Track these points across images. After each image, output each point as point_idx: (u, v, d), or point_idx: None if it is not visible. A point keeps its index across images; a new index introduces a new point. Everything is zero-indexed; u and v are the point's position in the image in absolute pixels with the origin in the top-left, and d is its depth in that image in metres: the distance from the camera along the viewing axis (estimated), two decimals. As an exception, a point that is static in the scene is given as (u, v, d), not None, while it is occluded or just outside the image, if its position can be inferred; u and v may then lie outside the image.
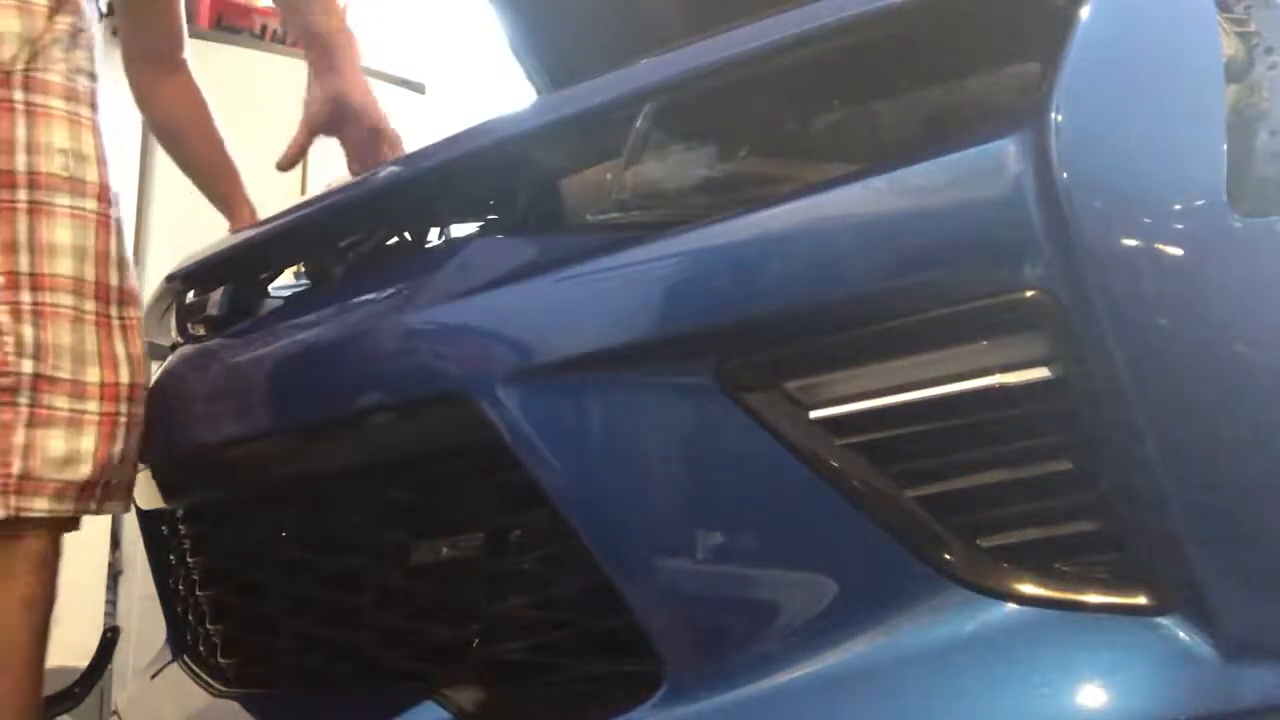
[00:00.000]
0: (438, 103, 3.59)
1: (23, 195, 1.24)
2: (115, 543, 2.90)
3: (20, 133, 1.24)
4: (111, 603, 2.91)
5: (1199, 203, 0.86)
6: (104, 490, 1.31)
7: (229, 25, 3.26)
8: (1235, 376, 0.85)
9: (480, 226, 1.30)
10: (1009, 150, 0.84)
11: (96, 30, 1.36)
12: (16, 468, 1.21)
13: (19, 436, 1.21)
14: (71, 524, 1.31)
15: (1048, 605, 0.84)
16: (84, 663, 2.01)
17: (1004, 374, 0.84)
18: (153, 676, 1.61)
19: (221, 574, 1.42)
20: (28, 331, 1.22)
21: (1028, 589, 0.85)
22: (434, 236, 1.38)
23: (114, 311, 1.31)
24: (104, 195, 1.31)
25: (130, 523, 1.46)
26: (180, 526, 1.49)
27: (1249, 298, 0.87)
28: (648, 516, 0.93)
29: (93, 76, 1.34)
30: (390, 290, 1.10)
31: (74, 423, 1.25)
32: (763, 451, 0.88)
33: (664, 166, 1.02)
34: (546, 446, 0.94)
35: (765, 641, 0.89)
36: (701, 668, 0.91)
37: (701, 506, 0.92)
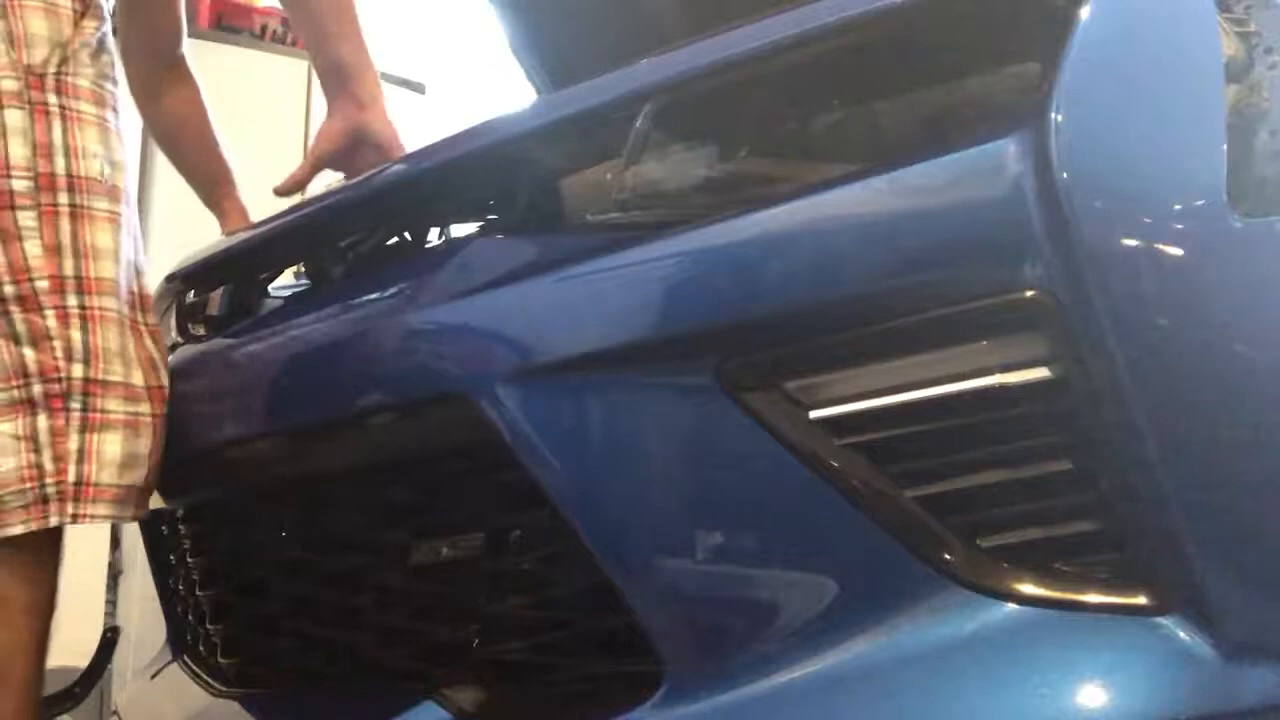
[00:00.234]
0: (438, 103, 3.60)
1: (64, 199, 1.23)
2: (115, 543, 2.90)
3: (57, 136, 1.24)
4: (111, 603, 2.91)
5: (1199, 202, 0.86)
6: (149, 494, 1.31)
7: (229, 25, 3.26)
8: (1235, 376, 0.85)
9: (480, 226, 1.30)
10: (1009, 150, 0.84)
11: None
12: (72, 474, 1.20)
13: (73, 442, 1.21)
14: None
15: (1048, 605, 0.84)
16: (84, 663, 2.01)
17: (1004, 374, 0.84)
18: (153, 676, 1.61)
19: (222, 574, 1.43)
20: (76, 336, 1.21)
21: (1028, 589, 0.85)
22: (434, 237, 1.38)
23: (139, 317, 1.31)
24: (129, 201, 1.32)
25: (131, 523, 1.45)
26: (180, 526, 1.49)
27: (1249, 298, 0.87)
28: (648, 516, 0.93)
29: (115, 82, 1.34)
30: (390, 290, 1.10)
31: (131, 425, 1.25)
32: (763, 451, 0.88)
33: (664, 166, 1.02)
34: (546, 446, 0.94)
35: (765, 641, 0.89)
36: (702, 667, 0.91)
37: (701, 506, 0.92)
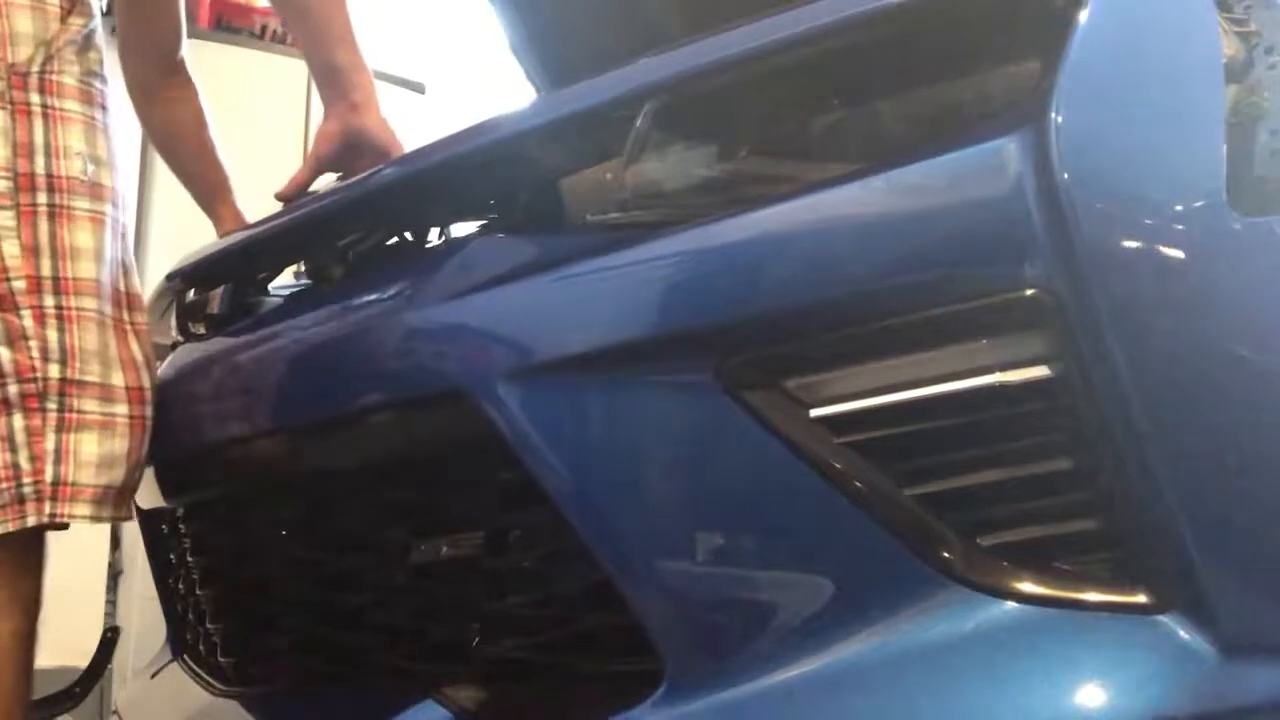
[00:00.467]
0: (438, 103, 3.60)
1: (44, 199, 1.23)
2: (115, 543, 2.91)
3: (38, 136, 1.24)
4: (111, 603, 2.92)
5: (1199, 202, 0.86)
6: (132, 495, 1.31)
7: (229, 25, 3.26)
8: (1234, 375, 0.85)
9: (480, 226, 1.30)
10: (1009, 149, 0.84)
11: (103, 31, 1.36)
12: (49, 474, 1.20)
13: (49, 442, 1.21)
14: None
15: (1047, 604, 0.84)
16: (84, 663, 2.01)
17: (1004, 372, 0.84)
18: (153, 676, 1.61)
19: (222, 572, 1.43)
20: (53, 336, 1.22)
21: (1027, 587, 0.85)
22: (434, 237, 1.38)
23: (125, 316, 1.31)
24: (116, 199, 1.31)
25: (130, 523, 1.45)
26: (181, 525, 1.50)
27: (1248, 297, 0.87)
28: (648, 515, 0.93)
29: (103, 79, 1.33)
30: (391, 289, 1.10)
31: (106, 426, 1.25)
32: (763, 450, 0.88)
33: (664, 166, 1.02)
34: (547, 445, 0.94)
35: (765, 639, 0.89)
36: (701, 666, 0.91)
37: (701, 505, 0.92)
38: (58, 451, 1.21)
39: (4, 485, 1.19)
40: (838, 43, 0.96)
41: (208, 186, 1.65)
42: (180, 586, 1.55)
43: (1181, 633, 0.82)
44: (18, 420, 1.19)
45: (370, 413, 1.10)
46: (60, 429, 1.21)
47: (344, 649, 1.22)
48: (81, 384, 1.23)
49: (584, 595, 0.99)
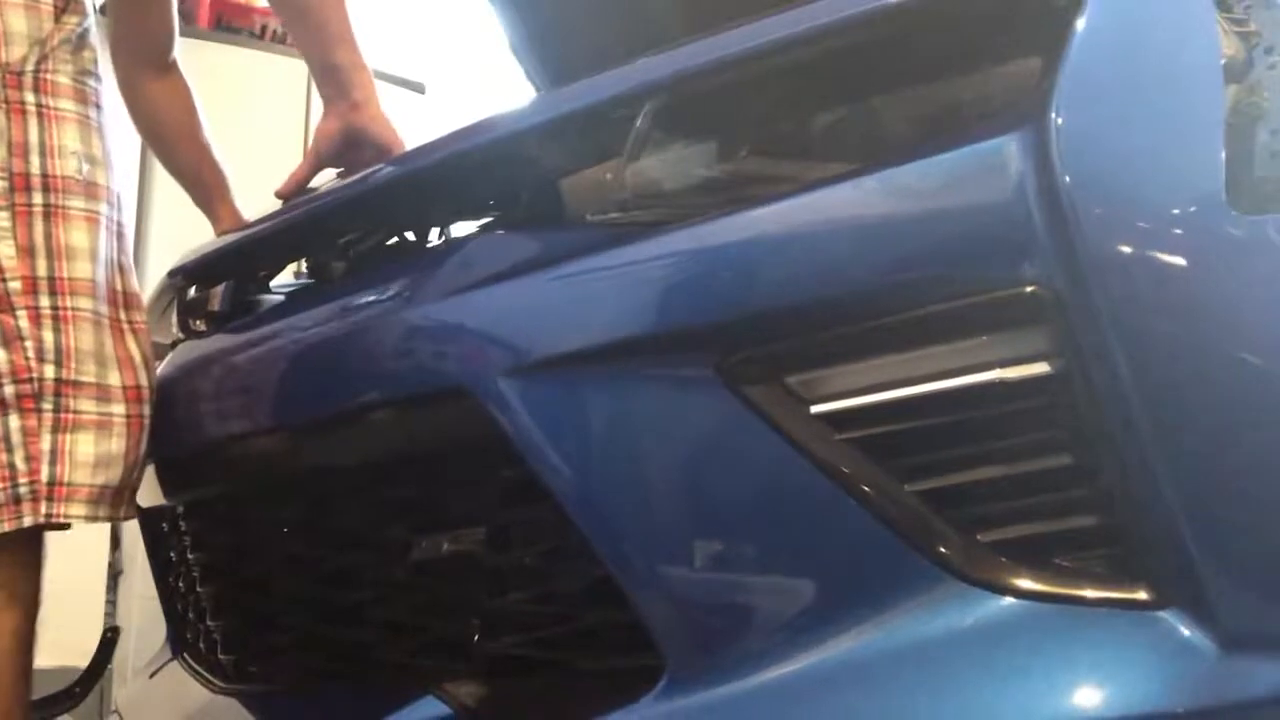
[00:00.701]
0: (438, 103, 3.60)
1: (39, 199, 1.23)
2: (115, 543, 2.90)
3: (33, 135, 1.24)
4: (111, 603, 2.91)
5: (1198, 200, 0.86)
6: (131, 494, 1.31)
7: (229, 25, 3.26)
8: (1233, 372, 0.85)
9: (480, 226, 1.30)
10: (1010, 147, 0.84)
11: (97, 30, 1.36)
12: (45, 474, 1.20)
13: (45, 442, 1.21)
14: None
15: (1047, 600, 0.84)
16: (84, 663, 2.01)
17: (1004, 369, 0.84)
18: (152, 675, 1.61)
19: (222, 570, 1.43)
20: (48, 336, 1.22)
21: (1027, 584, 0.85)
22: (435, 238, 1.38)
23: (123, 315, 1.31)
24: (111, 199, 1.31)
25: (130, 523, 1.45)
26: (181, 523, 1.50)
27: (1247, 295, 0.87)
28: (649, 511, 0.94)
29: (98, 78, 1.33)
30: (393, 286, 1.10)
31: (103, 425, 1.25)
32: (764, 446, 0.88)
33: (664, 166, 1.02)
34: (548, 441, 0.95)
35: (765, 635, 0.89)
36: (701, 661, 0.91)
37: (701, 501, 0.93)
38: (53, 452, 1.21)
39: (1, 486, 1.19)
40: (837, 43, 0.96)
41: (204, 186, 1.64)
42: (180, 585, 1.55)
43: (1181, 629, 0.82)
44: (13, 421, 1.19)
45: (371, 410, 1.10)
46: (56, 429, 1.21)
47: (344, 646, 1.22)
48: (77, 384, 1.23)
49: (584, 592, 0.99)
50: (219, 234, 1.59)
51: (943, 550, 0.86)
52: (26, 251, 1.22)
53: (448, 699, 1.04)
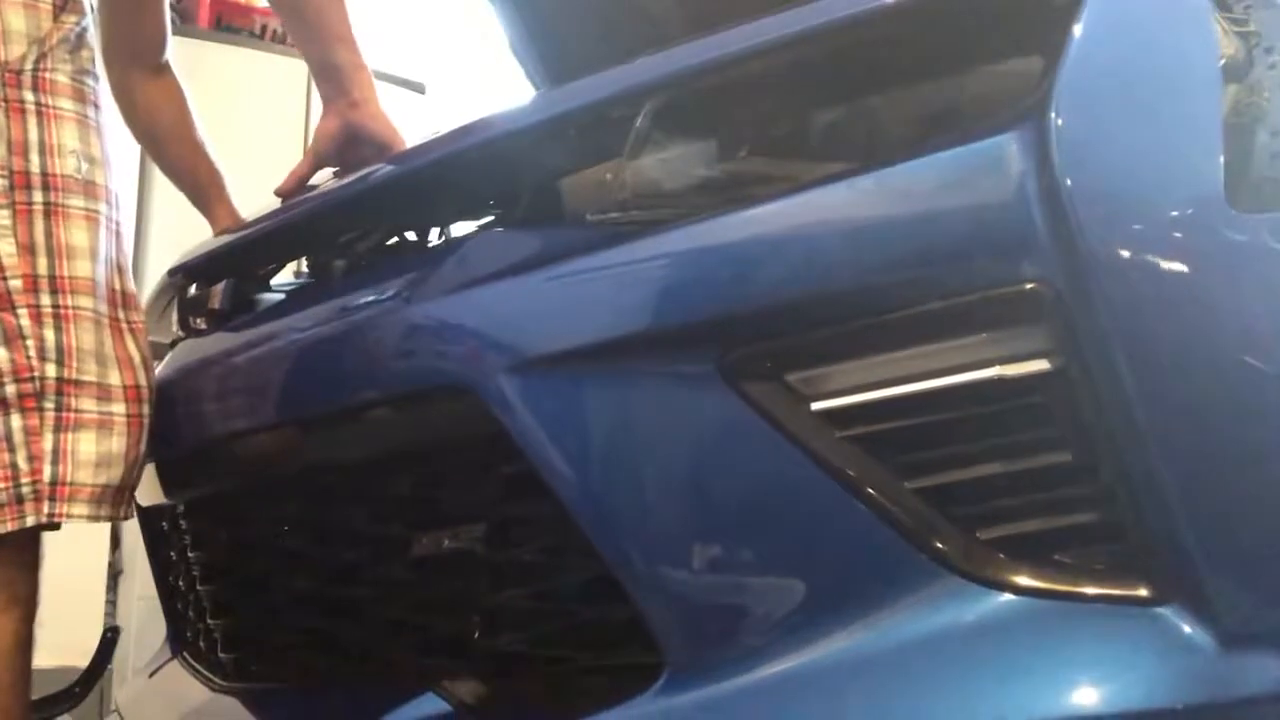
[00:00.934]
0: (438, 103, 3.60)
1: (39, 197, 1.23)
2: (115, 542, 2.90)
3: (32, 134, 1.24)
4: (111, 603, 2.91)
5: (1198, 198, 0.87)
6: (130, 494, 1.31)
7: (229, 25, 3.26)
8: (1231, 369, 0.85)
9: (480, 226, 1.31)
10: (1010, 145, 0.84)
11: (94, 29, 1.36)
12: (47, 474, 1.20)
13: (47, 442, 1.21)
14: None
15: (1046, 596, 0.85)
16: (84, 663, 2.02)
17: (1004, 366, 0.84)
18: (151, 675, 1.61)
19: (223, 568, 1.43)
20: (50, 335, 1.21)
21: (1027, 580, 0.85)
22: (435, 237, 1.39)
23: (121, 315, 1.31)
24: (110, 198, 1.31)
25: (130, 523, 1.45)
26: (181, 521, 1.50)
27: (1246, 292, 0.87)
28: (649, 508, 0.94)
29: (96, 77, 1.33)
30: (394, 283, 1.11)
31: (104, 425, 1.25)
32: (764, 443, 0.89)
33: (664, 166, 1.02)
34: (548, 438, 0.95)
35: (765, 631, 0.90)
36: (701, 657, 0.91)
37: (701, 498, 0.93)
38: (55, 451, 1.21)
39: (2, 485, 1.18)
40: (837, 42, 0.96)
41: (201, 186, 1.64)
42: (180, 583, 1.55)
43: (1180, 625, 0.83)
44: (15, 420, 1.19)
45: (372, 407, 1.10)
46: (58, 428, 1.21)
47: (344, 643, 1.22)
48: (78, 383, 1.23)
49: (584, 588, 0.99)
50: (217, 234, 1.59)
51: (943, 547, 0.87)
52: (27, 250, 1.22)
53: (447, 696, 1.04)
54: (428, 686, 1.05)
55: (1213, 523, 0.83)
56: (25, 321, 1.20)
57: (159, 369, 1.40)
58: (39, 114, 1.24)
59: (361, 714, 1.13)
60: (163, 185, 2.98)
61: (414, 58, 3.68)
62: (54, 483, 1.21)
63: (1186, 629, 0.82)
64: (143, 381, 1.30)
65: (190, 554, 1.49)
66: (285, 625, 1.32)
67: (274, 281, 1.50)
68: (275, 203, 1.44)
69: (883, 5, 0.94)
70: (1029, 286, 0.83)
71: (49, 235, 1.23)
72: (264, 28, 3.30)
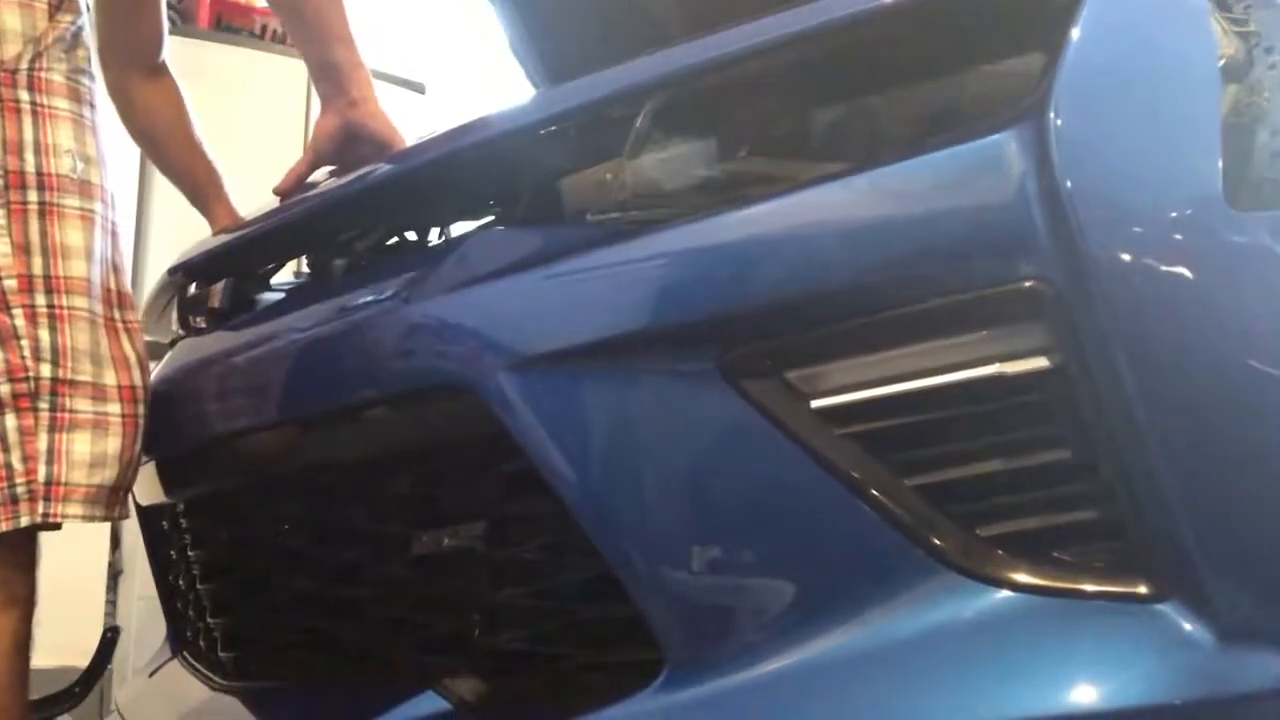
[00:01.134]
0: (438, 103, 3.60)
1: (34, 196, 1.23)
2: (115, 542, 2.90)
3: (28, 133, 1.23)
4: (111, 603, 2.91)
5: (1197, 198, 0.87)
6: (125, 494, 1.31)
7: (229, 25, 3.26)
8: (1230, 367, 0.85)
9: (480, 225, 1.31)
10: (1010, 144, 0.84)
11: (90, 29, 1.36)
12: (42, 474, 1.20)
13: (42, 442, 1.21)
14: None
15: (1046, 593, 0.85)
16: (84, 663, 2.02)
17: (1003, 364, 0.85)
18: (152, 675, 1.61)
19: (223, 567, 1.43)
20: (45, 335, 1.21)
21: (1026, 577, 0.85)
22: (434, 236, 1.39)
23: (117, 315, 1.31)
24: (105, 198, 1.31)
25: (130, 523, 1.45)
26: (181, 521, 1.50)
27: (1245, 291, 0.87)
28: (649, 505, 0.94)
29: (92, 76, 1.33)
30: (393, 281, 1.11)
31: (99, 425, 1.25)
32: (764, 440, 0.89)
33: (664, 166, 1.02)
34: (548, 436, 0.95)
35: (765, 628, 0.90)
36: (701, 655, 0.91)
37: (701, 495, 0.93)
38: (50, 451, 1.21)
39: None
40: (837, 42, 0.96)
41: (199, 186, 1.63)
42: (180, 582, 1.55)
43: (1180, 622, 0.83)
44: (10, 420, 1.19)
45: (372, 406, 1.10)
46: (53, 429, 1.21)
47: (345, 642, 1.22)
48: (73, 383, 1.23)
49: (584, 586, 0.99)
50: (216, 233, 1.59)
51: (942, 544, 0.87)
52: (22, 249, 1.22)
53: (447, 694, 1.04)
54: (428, 685, 1.05)
55: (1212, 520, 0.83)
56: (20, 321, 1.20)
57: (159, 368, 1.40)
58: (34, 113, 1.24)
59: (362, 713, 1.13)
60: (162, 185, 2.98)
61: (414, 58, 3.68)
62: (49, 483, 1.21)
63: (1186, 626, 0.83)
64: (138, 381, 1.30)
65: (190, 553, 1.49)
66: (285, 624, 1.32)
67: (274, 281, 1.50)
68: (274, 202, 1.44)
69: (883, 5, 0.94)
70: (1028, 285, 0.83)
71: (44, 235, 1.23)
72: (264, 28, 3.30)
